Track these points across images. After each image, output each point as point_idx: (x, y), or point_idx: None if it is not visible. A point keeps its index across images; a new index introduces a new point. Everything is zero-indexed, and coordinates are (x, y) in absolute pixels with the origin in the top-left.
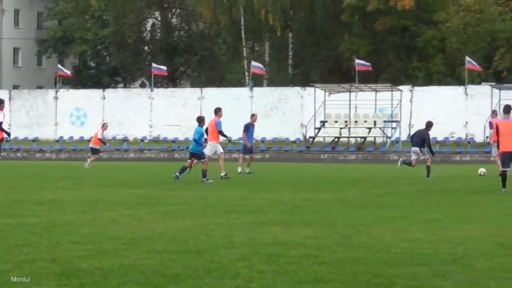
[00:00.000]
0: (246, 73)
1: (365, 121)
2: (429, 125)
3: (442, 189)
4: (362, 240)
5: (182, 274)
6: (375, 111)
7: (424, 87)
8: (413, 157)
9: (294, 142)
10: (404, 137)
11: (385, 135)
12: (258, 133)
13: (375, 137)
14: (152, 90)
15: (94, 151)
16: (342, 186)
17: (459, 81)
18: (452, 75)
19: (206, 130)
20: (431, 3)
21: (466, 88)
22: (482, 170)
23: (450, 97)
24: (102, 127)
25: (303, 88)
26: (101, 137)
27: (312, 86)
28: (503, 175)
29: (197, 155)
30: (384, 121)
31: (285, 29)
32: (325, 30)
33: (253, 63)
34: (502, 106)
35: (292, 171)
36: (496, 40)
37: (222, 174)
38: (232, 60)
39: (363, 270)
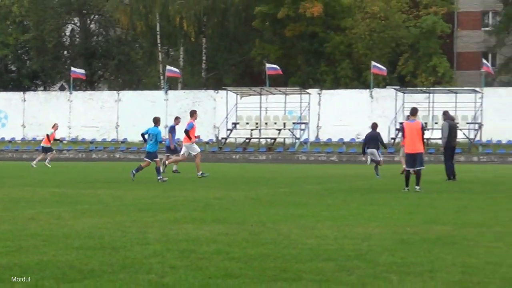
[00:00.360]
0: (162, 77)
1: (275, 123)
2: (375, 126)
3: (348, 188)
4: (270, 237)
5: (98, 269)
6: (285, 113)
7: (332, 91)
8: (370, 157)
9: (207, 143)
10: (312, 138)
11: (294, 136)
12: None
13: (284, 138)
14: (71, 93)
15: (46, 149)
16: (252, 185)
17: (365, 85)
18: (358, 79)
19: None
20: (339, 10)
21: (371, 92)
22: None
23: (357, 100)
24: (53, 127)
25: (216, 92)
26: (57, 137)
27: (225, 89)
28: (407, 175)
29: (152, 154)
30: (293, 123)
31: (199, 35)
32: (237, 36)
33: (168, 67)
34: (405, 109)
35: (205, 170)
36: (400, 46)
37: (198, 173)
38: (148, 64)
39: (271, 265)
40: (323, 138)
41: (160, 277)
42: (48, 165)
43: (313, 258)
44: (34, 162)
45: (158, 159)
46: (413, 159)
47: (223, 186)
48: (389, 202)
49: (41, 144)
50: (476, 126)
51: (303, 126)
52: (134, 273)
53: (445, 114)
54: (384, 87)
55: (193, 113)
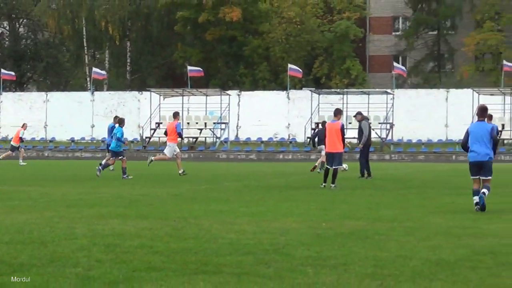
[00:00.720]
0: (88, 79)
1: (197, 123)
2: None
3: (266, 185)
4: (192, 232)
5: (27, 263)
6: (206, 113)
7: (250, 92)
8: (322, 153)
9: (132, 142)
10: (232, 137)
11: (215, 136)
12: (99, 133)
13: (205, 137)
14: (1, 94)
15: (13, 148)
16: (175, 182)
17: (282, 87)
18: (276, 81)
19: (165, 132)
20: (257, 15)
21: (288, 93)
22: (344, 166)
23: (274, 101)
24: (22, 127)
25: (140, 93)
26: (22, 136)
27: (148, 90)
28: (326, 172)
29: (117, 153)
30: (214, 123)
31: (124, 38)
32: (160, 39)
33: (94, 69)
34: (321, 109)
35: (130, 168)
36: (315, 49)
37: (180, 171)
38: (75, 67)
39: (193, 259)
40: (243, 137)
41: (87, 270)
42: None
43: (233, 252)
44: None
45: (124, 158)
46: (332, 158)
47: (147, 183)
48: (305, 199)
49: (11, 143)
50: (388, 126)
51: (223, 126)
52: (62, 266)
53: (361, 114)
54: (300, 88)
55: (176, 115)
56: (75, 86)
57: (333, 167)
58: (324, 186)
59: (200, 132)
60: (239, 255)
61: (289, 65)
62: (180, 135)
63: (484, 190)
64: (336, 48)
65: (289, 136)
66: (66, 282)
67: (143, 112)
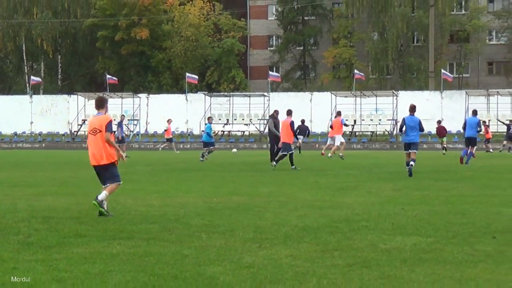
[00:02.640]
0: (27, 85)
1: (114, 120)
2: (303, 121)
3: (169, 168)
4: (111, 206)
5: None
6: (122, 112)
7: (157, 95)
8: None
9: (63, 135)
10: (142, 131)
11: (129, 130)
12: (37, 128)
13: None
14: None
15: None
16: None
17: (182, 91)
18: (176, 86)
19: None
20: (161, 35)
21: (186, 96)
22: (234, 150)
23: (175, 102)
24: None
25: (69, 96)
26: None
27: (76, 94)
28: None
29: (208, 143)
30: (129, 120)
31: (56, 52)
32: (85, 53)
33: (32, 77)
34: (212, 109)
35: (62, 156)
36: (207, 61)
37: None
38: (17, 75)
39: (111, 227)
40: (151, 131)
41: (27, 237)
42: None
43: (143, 221)
44: None
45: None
46: (283, 146)
47: (75, 168)
48: (201, 179)
49: None
50: (265, 122)
51: (135, 122)
52: (6, 234)
53: (275, 112)
54: (196, 92)
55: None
56: (17, 91)
57: (281, 153)
58: (275, 165)
59: (117, 127)
60: (147, 224)
61: (187, 74)
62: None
63: (412, 162)
64: (224, 60)
65: (187, 130)
66: (10, 246)
67: (71, 111)
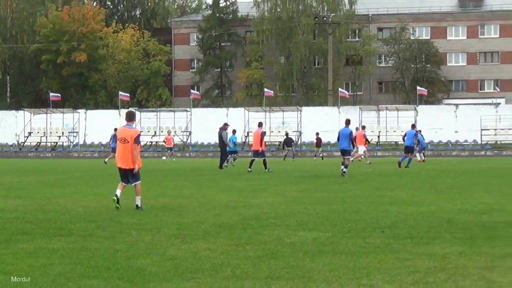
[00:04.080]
0: None
1: (57, 132)
2: (287, 133)
3: (106, 174)
4: (53, 207)
5: None
6: (63, 125)
7: (94, 110)
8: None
9: (11, 145)
10: (81, 142)
11: (69, 141)
12: None
13: (63, 142)
14: None
15: None
16: (41, 173)
17: (116, 107)
18: (111, 103)
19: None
20: (98, 58)
21: (119, 111)
22: (163, 157)
23: (110, 117)
24: None
25: (17, 111)
26: None
27: (23, 110)
28: (251, 162)
29: (233, 151)
30: (69, 132)
31: (5, 73)
32: (31, 74)
33: None
34: (142, 122)
35: (9, 164)
36: (138, 81)
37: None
38: None
39: (53, 226)
40: (89, 142)
41: None
42: None
43: (81, 220)
44: None
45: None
46: (257, 154)
47: (22, 174)
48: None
49: None
50: (188, 133)
51: (75, 134)
52: None
53: (225, 125)
54: (128, 108)
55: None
56: None
57: (260, 158)
58: (250, 171)
59: (59, 138)
60: (85, 223)
61: (120, 92)
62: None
63: (343, 167)
64: (152, 80)
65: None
66: None
67: (19, 124)
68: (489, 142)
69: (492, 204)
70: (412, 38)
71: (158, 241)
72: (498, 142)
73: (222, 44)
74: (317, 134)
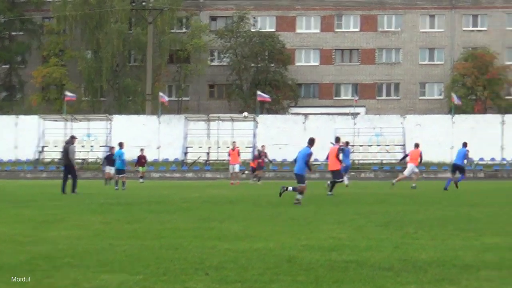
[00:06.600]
0: None
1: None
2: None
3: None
4: None
5: None
6: None
7: None
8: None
9: None
10: None
11: None
12: None
13: None
14: None
15: None
16: None
17: None
18: None
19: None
20: None
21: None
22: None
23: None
24: None
25: None
26: None
27: None
28: None
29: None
30: None
31: None
32: None
33: None
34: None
35: None
36: None
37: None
38: None
39: None
40: None
41: None
42: None
43: None
44: None
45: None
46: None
47: None
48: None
49: None
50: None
51: None
52: None
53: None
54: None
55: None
56: None
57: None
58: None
59: None
60: None
61: None
62: None
63: (290, 187)
64: None
65: None
66: None
67: None
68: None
69: (344, 239)
70: (253, 30)
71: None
72: (355, 161)
73: (13, 33)
74: (142, 150)
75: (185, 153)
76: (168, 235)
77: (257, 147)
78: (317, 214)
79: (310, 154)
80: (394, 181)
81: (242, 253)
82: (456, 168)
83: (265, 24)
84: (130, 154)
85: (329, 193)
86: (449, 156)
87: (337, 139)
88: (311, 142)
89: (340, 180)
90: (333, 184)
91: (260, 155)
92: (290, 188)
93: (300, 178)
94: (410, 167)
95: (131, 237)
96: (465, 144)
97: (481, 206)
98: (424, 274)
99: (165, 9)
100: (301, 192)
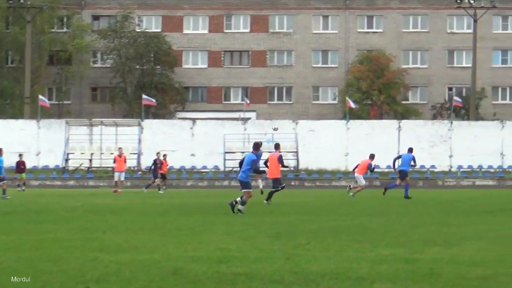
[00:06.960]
0: None
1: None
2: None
3: None
4: None
5: None
6: None
7: None
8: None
9: None
10: None
11: None
12: None
13: None
14: None
15: None
16: None
17: None
18: None
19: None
20: None
21: None
22: None
23: None
24: None
25: None
26: None
27: None
28: None
29: None
30: None
31: None
32: None
33: None
34: None
35: None
36: None
37: None
38: None
39: None
40: None
41: None
42: None
43: None
44: None
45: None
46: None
47: None
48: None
49: None
50: None
51: None
52: None
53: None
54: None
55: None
56: None
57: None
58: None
59: None
60: None
61: None
62: None
63: (238, 199)
64: None
65: None
66: None
67: None
68: (234, 170)
69: (233, 250)
70: (138, 30)
71: None
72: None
73: None
74: (20, 156)
75: (67, 160)
76: (47, 247)
77: (159, 156)
78: (205, 224)
79: (254, 161)
80: (351, 194)
81: (126, 265)
82: (405, 174)
83: (151, 24)
84: (8, 160)
85: (266, 201)
86: (344, 163)
87: (277, 146)
88: (256, 147)
89: (282, 187)
90: (272, 192)
91: (156, 164)
92: (238, 199)
93: (245, 185)
94: (359, 177)
95: (7, 249)
96: (410, 150)
97: (377, 215)
98: (316, 287)
99: (44, 7)
100: (243, 203)
